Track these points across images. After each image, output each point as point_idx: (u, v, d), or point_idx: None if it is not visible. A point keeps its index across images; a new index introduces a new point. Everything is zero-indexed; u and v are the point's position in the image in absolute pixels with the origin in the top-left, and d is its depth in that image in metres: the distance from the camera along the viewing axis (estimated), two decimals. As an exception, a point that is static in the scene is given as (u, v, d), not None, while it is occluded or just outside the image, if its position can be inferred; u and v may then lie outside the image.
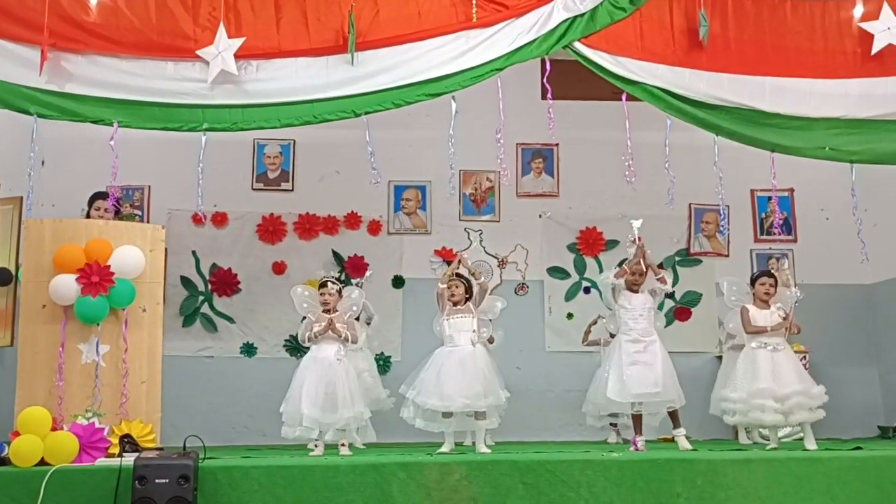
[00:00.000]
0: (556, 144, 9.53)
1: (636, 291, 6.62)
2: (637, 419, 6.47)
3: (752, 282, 6.70)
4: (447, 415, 6.13)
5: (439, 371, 6.20)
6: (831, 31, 6.98)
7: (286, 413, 6.22)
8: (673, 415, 6.52)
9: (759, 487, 5.10)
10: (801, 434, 6.43)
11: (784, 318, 6.47)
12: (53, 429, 5.17)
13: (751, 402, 6.32)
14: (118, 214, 6.85)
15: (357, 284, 7.73)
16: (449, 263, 9.35)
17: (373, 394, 7.33)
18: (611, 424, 8.15)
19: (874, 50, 6.84)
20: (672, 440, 6.64)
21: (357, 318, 6.72)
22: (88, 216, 6.73)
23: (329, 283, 6.50)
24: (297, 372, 6.35)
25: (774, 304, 6.56)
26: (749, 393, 6.32)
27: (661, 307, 9.51)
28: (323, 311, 6.41)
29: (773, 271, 6.81)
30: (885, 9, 6.88)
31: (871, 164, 7.03)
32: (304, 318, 6.52)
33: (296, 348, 8.58)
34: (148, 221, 8.81)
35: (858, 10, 6.98)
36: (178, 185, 8.06)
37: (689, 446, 6.36)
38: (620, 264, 6.73)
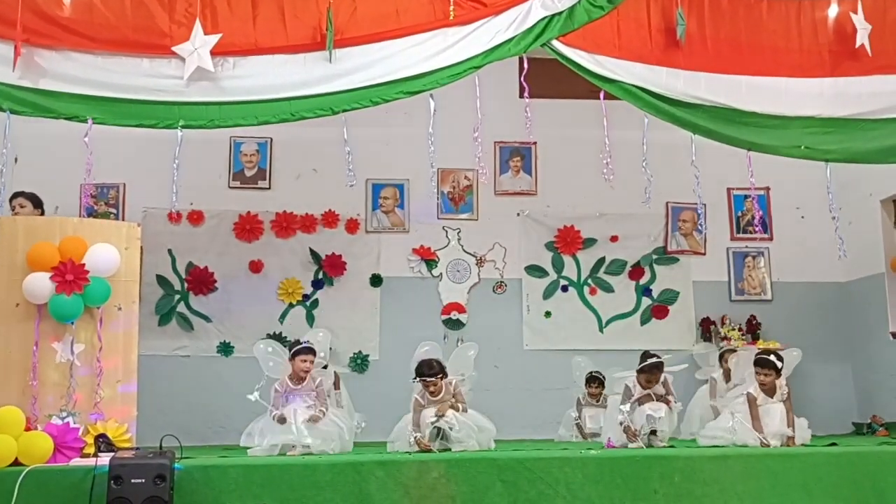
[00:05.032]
0: (534, 143, 9.56)
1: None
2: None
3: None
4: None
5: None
6: (807, 30, 7.03)
7: (265, 427, 6.09)
8: None
9: (735, 483, 5.12)
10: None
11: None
12: (27, 429, 5.10)
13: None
14: (39, 209, 6.87)
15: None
16: (427, 262, 9.41)
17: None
18: None
19: (858, 42, 6.87)
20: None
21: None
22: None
23: (307, 350, 6.31)
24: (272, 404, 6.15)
25: (781, 389, 6.24)
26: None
27: (638, 306, 9.64)
28: (293, 378, 6.24)
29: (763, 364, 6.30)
30: (859, 9, 6.94)
31: (845, 163, 7.09)
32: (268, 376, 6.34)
33: (273, 348, 8.54)
34: (123, 219, 8.77)
35: (833, 10, 7.03)
36: (154, 182, 8.00)
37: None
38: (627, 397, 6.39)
